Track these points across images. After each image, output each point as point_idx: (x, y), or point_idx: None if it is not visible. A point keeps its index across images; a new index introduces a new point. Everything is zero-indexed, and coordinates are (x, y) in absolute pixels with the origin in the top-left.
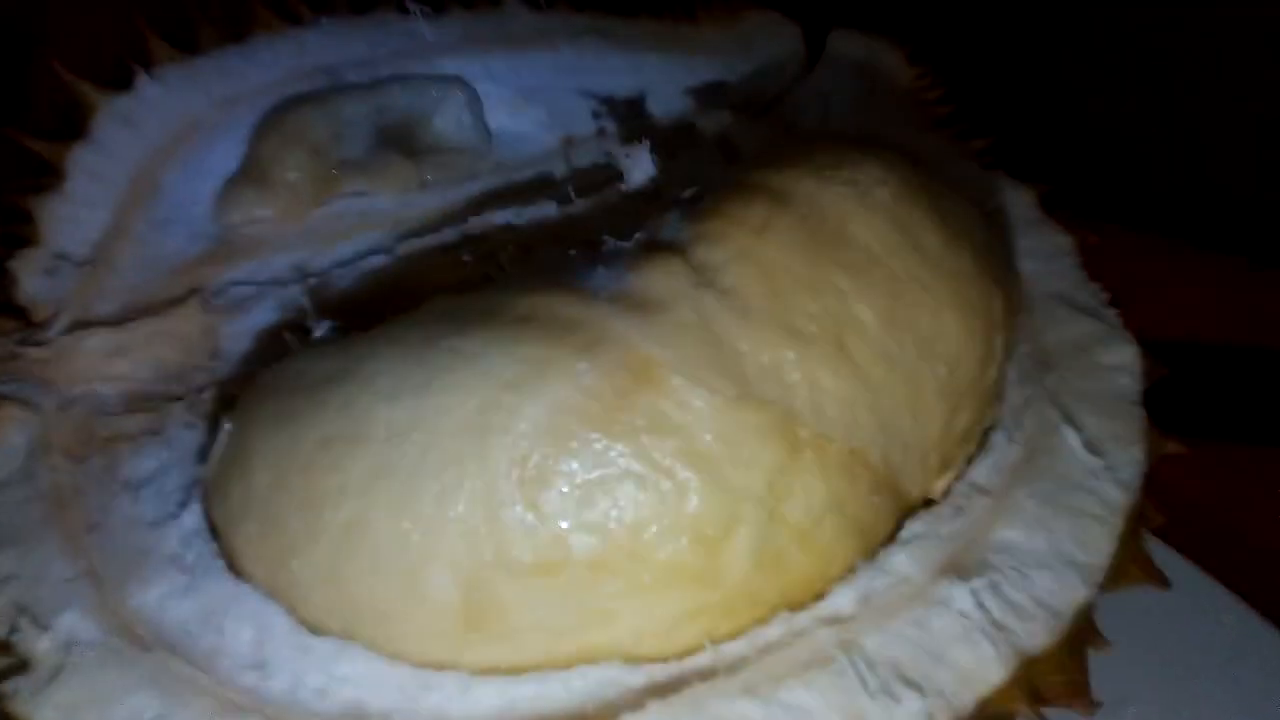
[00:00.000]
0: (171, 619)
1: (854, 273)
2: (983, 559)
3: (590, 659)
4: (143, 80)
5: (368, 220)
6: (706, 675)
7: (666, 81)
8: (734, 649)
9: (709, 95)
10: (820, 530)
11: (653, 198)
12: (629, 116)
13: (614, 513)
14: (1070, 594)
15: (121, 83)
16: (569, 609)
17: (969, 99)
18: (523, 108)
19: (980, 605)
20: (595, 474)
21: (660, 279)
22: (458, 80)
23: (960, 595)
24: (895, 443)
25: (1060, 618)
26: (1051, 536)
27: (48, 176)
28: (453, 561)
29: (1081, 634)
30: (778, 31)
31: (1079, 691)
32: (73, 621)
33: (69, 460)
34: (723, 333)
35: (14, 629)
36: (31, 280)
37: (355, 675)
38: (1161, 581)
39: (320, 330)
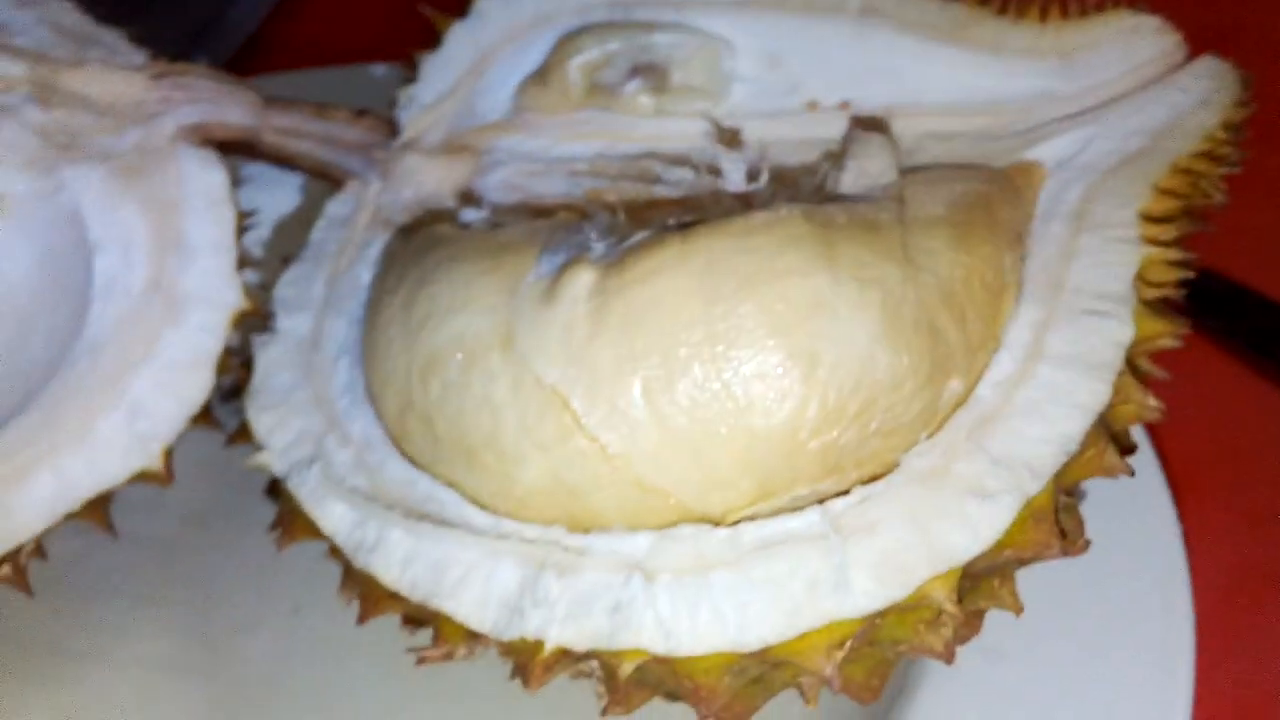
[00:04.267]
0: (328, 345)
1: (703, 347)
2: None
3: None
4: None
5: (600, 131)
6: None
7: (942, 78)
8: (513, 528)
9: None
10: (587, 491)
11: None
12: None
13: (448, 421)
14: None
15: None
16: (437, 452)
17: None
18: (775, 67)
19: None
20: (444, 399)
21: (567, 282)
22: (720, 40)
23: (637, 588)
24: (672, 479)
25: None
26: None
27: (435, 43)
28: (397, 390)
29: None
30: (1131, 46)
31: None
32: (297, 320)
33: (363, 228)
34: (569, 345)
35: (271, 314)
36: (400, 107)
37: (365, 419)
38: None
39: (467, 216)
